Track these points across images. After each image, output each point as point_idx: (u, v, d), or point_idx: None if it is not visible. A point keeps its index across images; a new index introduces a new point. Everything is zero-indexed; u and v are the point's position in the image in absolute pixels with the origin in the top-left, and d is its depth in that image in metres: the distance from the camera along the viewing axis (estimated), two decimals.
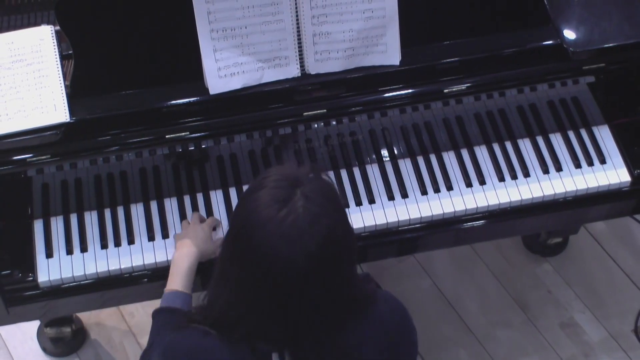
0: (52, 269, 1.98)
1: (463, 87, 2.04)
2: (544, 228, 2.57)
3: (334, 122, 2.06)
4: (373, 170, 2.11)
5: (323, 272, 1.42)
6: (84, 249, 2.00)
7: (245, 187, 2.06)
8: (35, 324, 2.60)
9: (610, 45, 2.06)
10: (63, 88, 1.92)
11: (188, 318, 1.59)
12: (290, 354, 1.51)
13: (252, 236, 1.40)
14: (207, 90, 1.94)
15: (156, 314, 1.81)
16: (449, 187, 2.09)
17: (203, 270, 1.95)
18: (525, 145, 2.16)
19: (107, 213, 2.04)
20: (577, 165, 2.13)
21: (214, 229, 2.02)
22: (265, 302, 1.44)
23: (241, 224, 1.44)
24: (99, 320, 2.66)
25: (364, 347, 1.56)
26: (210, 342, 1.52)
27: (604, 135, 2.17)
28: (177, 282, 1.87)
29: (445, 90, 2.03)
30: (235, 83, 1.94)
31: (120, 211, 2.05)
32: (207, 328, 1.53)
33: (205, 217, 2.04)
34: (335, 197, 1.47)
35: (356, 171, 2.10)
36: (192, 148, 2.03)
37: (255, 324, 1.47)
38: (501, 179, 2.11)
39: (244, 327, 1.48)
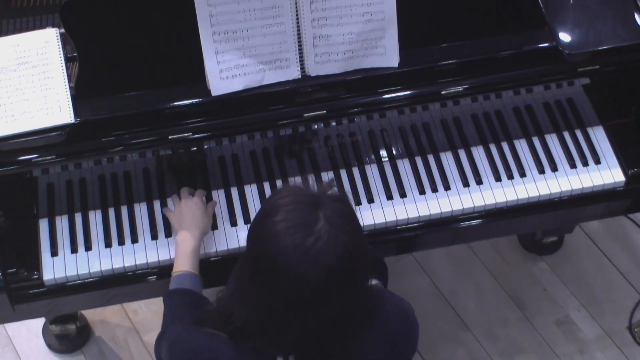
0: (57, 267, 1.98)
1: (460, 88, 2.04)
2: (539, 227, 2.57)
3: (333, 123, 2.06)
4: (372, 171, 2.11)
5: (340, 287, 1.41)
6: (88, 247, 2.00)
7: (246, 188, 2.07)
8: (40, 321, 2.60)
9: (605, 47, 2.06)
10: (68, 89, 1.92)
11: (198, 319, 1.59)
12: (296, 359, 1.52)
13: (277, 261, 1.38)
14: (209, 91, 1.94)
15: (167, 297, 1.81)
16: (447, 187, 2.09)
17: (203, 270, 1.95)
18: (521, 145, 2.16)
19: (111, 212, 2.04)
20: (572, 166, 2.13)
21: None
22: (283, 317, 1.44)
23: (263, 248, 1.41)
24: (103, 317, 2.66)
25: (369, 352, 1.56)
26: (217, 343, 1.52)
27: (599, 136, 2.17)
28: (184, 263, 1.87)
29: (443, 92, 2.03)
30: (236, 85, 1.94)
31: (124, 210, 2.05)
32: (216, 331, 1.53)
33: (190, 190, 2.03)
34: (352, 216, 1.47)
35: (355, 171, 2.10)
36: (195, 148, 2.03)
37: (269, 335, 1.47)
38: (498, 178, 2.11)
39: (259, 339, 1.48)
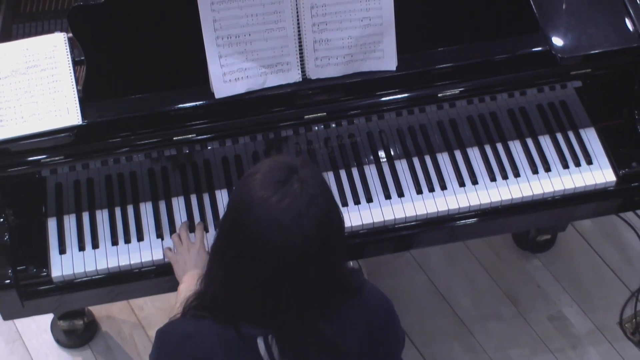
0: (65, 264, 1.98)
1: (456, 91, 2.04)
2: (533, 226, 2.57)
3: (333, 125, 2.06)
4: (371, 171, 2.11)
5: (317, 254, 1.39)
6: (95, 245, 2.00)
7: None
8: (49, 317, 2.60)
9: (597, 51, 2.05)
10: (75, 92, 1.92)
11: (184, 308, 1.57)
12: (275, 338, 1.49)
13: (249, 216, 1.37)
14: (212, 94, 1.94)
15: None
16: (443, 187, 2.09)
17: None
18: (515, 146, 2.16)
19: (118, 211, 2.04)
20: (565, 166, 2.13)
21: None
22: (257, 283, 1.42)
23: (237, 206, 1.41)
24: (109, 313, 2.66)
25: (347, 336, 1.53)
26: (202, 325, 1.50)
27: (591, 137, 2.17)
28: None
29: (440, 95, 2.03)
30: (239, 87, 1.94)
31: (130, 209, 2.04)
32: (202, 312, 1.51)
33: (188, 225, 2.01)
34: (326, 183, 1.46)
35: (355, 171, 2.10)
36: (199, 149, 2.03)
37: (244, 303, 1.45)
38: (492, 179, 2.11)
39: (233, 306, 1.45)
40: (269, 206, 1.36)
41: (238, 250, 1.42)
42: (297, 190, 1.37)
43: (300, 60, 1.96)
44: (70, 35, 1.94)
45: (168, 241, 2.01)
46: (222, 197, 2.06)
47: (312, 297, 1.45)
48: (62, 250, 1.99)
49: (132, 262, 1.99)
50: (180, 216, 2.04)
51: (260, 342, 1.49)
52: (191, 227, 2.02)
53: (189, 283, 1.84)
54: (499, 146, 2.15)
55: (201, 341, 1.50)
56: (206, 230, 2.02)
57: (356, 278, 1.57)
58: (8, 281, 1.93)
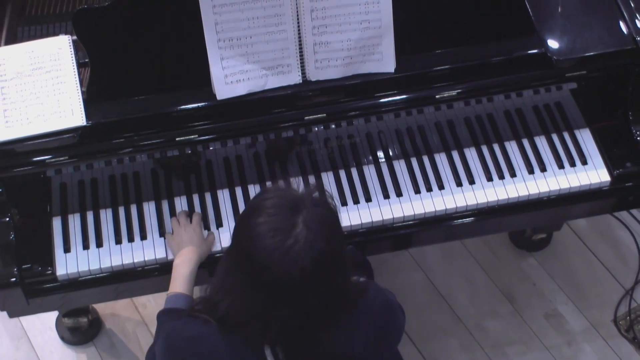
0: (69, 263, 1.97)
1: (454, 92, 2.04)
2: (529, 225, 2.57)
3: (333, 126, 2.06)
4: (370, 171, 2.11)
5: (317, 285, 1.44)
6: (99, 244, 2.00)
7: (250, 187, 2.07)
8: (53, 315, 2.60)
9: (591, 53, 2.05)
10: (80, 94, 1.92)
11: (190, 310, 1.60)
12: (282, 348, 1.52)
13: (258, 260, 1.42)
14: (214, 96, 1.93)
15: (161, 315, 1.79)
16: (441, 187, 2.09)
17: (208, 265, 1.95)
18: (511, 147, 2.15)
19: (121, 211, 2.04)
20: (560, 166, 2.13)
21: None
22: (266, 309, 1.46)
23: (245, 247, 1.45)
24: (113, 311, 2.66)
25: (353, 341, 1.57)
26: (209, 330, 1.52)
27: (586, 137, 2.17)
28: (179, 286, 1.85)
29: (437, 96, 2.03)
30: (240, 89, 1.94)
31: (134, 209, 2.04)
32: (208, 317, 1.53)
33: (187, 213, 2.02)
34: (332, 220, 1.48)
35: (354, 171, 2.10)
36: (201, 150, 2.03)
37: (254, 325, 1.49)
38: (489, 178, 2.11)
39: (246, 329, 1.49)
40: (279, 251, 1.40)
41: (246, 281, 1.46)
42: (302, 238, 1.41)
43: (301, 63, 1.96)
44: (75, 37, 1.94)
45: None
46: (224, 197, 2.06)
47: (314, 314, 1.48)
48: (67, 249, 1.98)
49: (135, 261, 1.99)
50: (183, 210, 2.03)
51: (267, 351, 1.52)
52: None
53: (184, 257, 1.89)
54: (496, 147, 2.15)
55: (208, 344, 1.53)
56: (207, 228, 2.02)
57: (359, 289, 1.60)
58: (13, 279, 1.93)
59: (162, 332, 1.63)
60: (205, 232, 2.01)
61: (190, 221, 1.99)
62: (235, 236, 1.49)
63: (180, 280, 1.86)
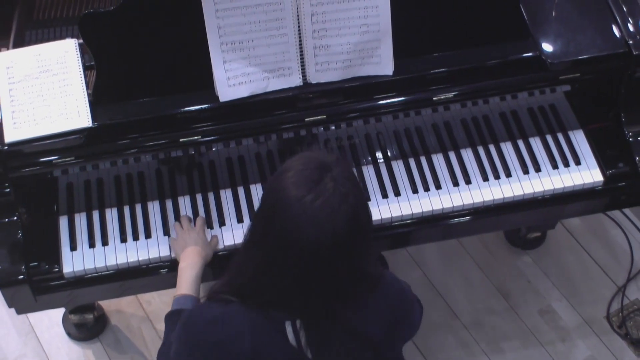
0: (76, 261, 1.97)
1: (451, 95, 2.04)
2: (524, 223, 2.57)
3: (333, 127, 2.06)
4: (368, 171, 2.11)
5: (346, 248, 1.41)
6: (105, 242, 2.00)
7: (252, 187, 2.07)
8: (60, 311, 2.60)
9: (585, 57, 2.05)
10: (86, 96, 1.92)
11: (209, 292, 1.56)
12: (303, 322, 1.50)
13: (284, 213, 1.39)
14: (217, 98, 1.93)
15: (169, 317, 1.77)
16: (438, 186, 2.09)
17: (211, 263, 1.95)
18: (507, 148, 2.15)
19: (126, 210, 2.04)
20: (555, 167, 2.13)
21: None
22: (290, 274, 1.43)
23: (272, 202, 1.42)
24: (118, 307, 2.65)
25: (369, 324, 1.55)
26: (230, 309, 1.49)
27: (579, 139, 2.17)
28: (186, 288, 1.84)
29: (435, 98, 2.03)
30: (243, 91, 1.94)
31: (138, 208, 2.04)
32: (229, 297, 1.50)
33: (192, 217, 2.01)
34: (356, 180, 1.47)
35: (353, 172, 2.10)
36: (204, 151, 2.03)
37: (276, 293, 1.46)
38: (485, 179, 2.11)
39: (266, 296, 1.46)
40: (304, 204, 1.38)
41: (271, 243, 1.43)
42: (330, 190, 1.38)
43: (301, 65, 1.96)
44: (81, 41, 1.94)
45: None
46: (226, 196, 2.06)
47: (339, 288, 1.46)
48: (73, 247, 1.98)
49: (140, 259, 1.99)
50: (186, 214, 2.03)
51: (288, 327, 1.49)
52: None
53: (189, 261, 1.87)
54: (492, 147, 2.15)
55: (228, 325, 1.49)
56: (210, 227, 2.01)
57: (378, 270, 1.58)
58: (21, 277, 1.93)
59: (179, 320, 1.60)
60: (209, 235, 2.00)
61: (194, 225, 1.99)
62: (264, 196, 1.47)
63: (186, 284, 1.84)
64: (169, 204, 2.05)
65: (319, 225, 1.37)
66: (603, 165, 2.13)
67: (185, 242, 1.94)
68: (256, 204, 2.04)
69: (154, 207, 2.05)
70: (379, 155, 2.12)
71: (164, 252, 1.99)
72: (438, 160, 2.13)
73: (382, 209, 2.05)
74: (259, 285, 1.47)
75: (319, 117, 1.99)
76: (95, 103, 1.92)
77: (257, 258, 1.46)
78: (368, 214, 1.47)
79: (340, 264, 1.42)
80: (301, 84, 1.97)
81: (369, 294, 1.53)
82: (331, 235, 1.38)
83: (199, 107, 1.94)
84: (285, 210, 1.39)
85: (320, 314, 1.49)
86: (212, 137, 1.98)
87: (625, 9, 2.09)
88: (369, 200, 2.06)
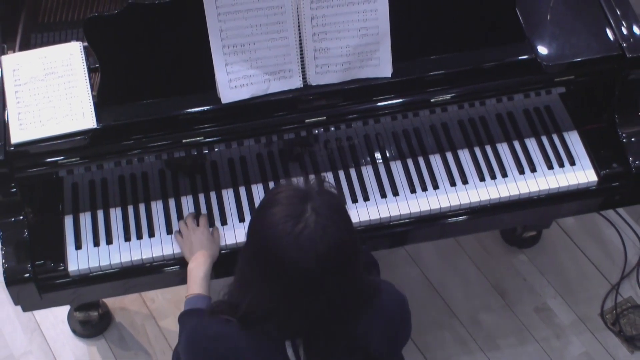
0: (80, 259, 1.97)
1: (448, 97, 2.04)
2: (520, 223, 2.57)
3: (332, 128, 2.06)
4: (367, 171, 2.11)
5: (333, 274, 1.43)
6: (109, 241, 2.00)
7: (253, 187, 2.07)
8: (65, 309, 2.60)
9: (579, 59, 2.05)
10: (90, 98, 1.92)
11: (211, 310, 1.59)
12: (303, 342, 1.51)
13: (271, 249, 1.42)
14: (219, 99, 1.93)
15: (182, 316, 1.78)
16: (435, 186, 2.09)
17: (217, 264, 1.95)
18: (503, 148, 2.15)
19: (130, 209, 2.04)
20: (550, 167, 2.13)
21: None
22: (285, 302, 1.45)
23: (260, 237, 1.45)
24: (123, 305, 2.65)
25: (369, 336, 1.56)
26: (230, 329, 1.52)
27: (574, 139, 2.17)
28: (196, 288, 1.85)
29: (432, 100, 2.03)
30: (244, 93, 1.94)
31: (142, 208, 2.04)
32: (229, 317, 1.53)
33: (194, 215, 2.02)
34: (340, 207, 1.49)
35: (352, 172, 2.10)
36: (206, 151, 2.02)
37: (274, 321, 1.48)
38: (482, 179, 2.11)
39: (267, 323, 1.49)
40: (290, 236, 1.40)
41: (263, 275, 1.46)
42: (312, 222, 1.41)
43: (302, 68, 1.96)
44: (86, 44, 1.94)
45: None
46: (228, 196, 2.06)
47: (334, 307, 1.48)
48: (78, 246, 1.98)
49: (143, 257, 1.99)
50: (190, 213, 2.03)
51: (288, 348, 1.51)
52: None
53: (197, 261, 1.89)
54: (488, 148, 2.15)
55: (230, 342, 1.52)
56: (212, 226, 2.01)
57: (372, 280, 1.60)
58: (27, 275, 1.93)
59: (184, 331, 1.63)
60: (210, 229, 2.00)
61: (197, 223, 1.99)
62: (251, 230, 1.49)
63: (197, 283, 1.86)
64: (172, 204, 2.05)
65: (304, 254, 1.40)
66: (597, 166, 2.13)
67: (191, 243, 1.94)
68: (257, 204, 2.04)
69: (157, 207, 2.05)
70: (377, 155, 2.12)
71: (167, 250, 1.99)
72: (435, 160, 2.13)
73: (380, 209, 2.05)
74: (259, 315, 1.49)
75: (319, 118, 1.99)
76: (100, 104, 1.92)
77: (252, 291, 1.49)
78: (352, 240, 1.48)
79: (329, 286, 1.44)
80: (301, 86, 1.97)
81: (368, 309, 1.54)
82: (315, 262, 1.40)
83: (201, 108, 1.94)
84: (272, 245, 1.42)
85: (319, 333, 1.51)
86: (214, 138, 1.98)
87: (618, 12, 2.09)
88: (368, 200, 2.06)
